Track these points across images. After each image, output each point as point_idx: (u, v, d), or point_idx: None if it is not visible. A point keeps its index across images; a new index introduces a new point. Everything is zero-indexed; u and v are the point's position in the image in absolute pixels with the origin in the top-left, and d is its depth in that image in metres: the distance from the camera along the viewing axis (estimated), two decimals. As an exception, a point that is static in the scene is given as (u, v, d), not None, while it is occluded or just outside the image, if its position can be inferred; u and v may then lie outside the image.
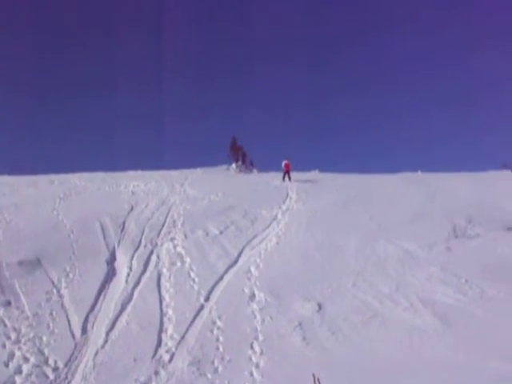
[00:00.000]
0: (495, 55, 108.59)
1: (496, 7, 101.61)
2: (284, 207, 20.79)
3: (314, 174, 30.63)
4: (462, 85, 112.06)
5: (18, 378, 9.65)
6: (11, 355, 10.33)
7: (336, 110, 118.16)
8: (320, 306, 12.28)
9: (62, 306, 12.38)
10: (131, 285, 13.46)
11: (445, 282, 13.10)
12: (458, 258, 14.68)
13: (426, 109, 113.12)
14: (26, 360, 10.21)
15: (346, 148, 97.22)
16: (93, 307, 12.37)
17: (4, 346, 10.63)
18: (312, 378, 6.57)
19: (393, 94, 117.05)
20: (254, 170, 33.27)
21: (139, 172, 29.76)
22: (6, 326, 11.36)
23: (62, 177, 27.19)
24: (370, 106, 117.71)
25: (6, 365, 10.03)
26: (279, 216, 19.54)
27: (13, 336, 10.99)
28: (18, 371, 9.86)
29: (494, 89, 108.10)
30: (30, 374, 9.77)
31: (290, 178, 26.81)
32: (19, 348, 10.59)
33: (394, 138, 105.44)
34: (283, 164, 27.42)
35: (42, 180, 26.05)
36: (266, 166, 35.89)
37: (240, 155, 34.02)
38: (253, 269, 14.48)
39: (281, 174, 27.42)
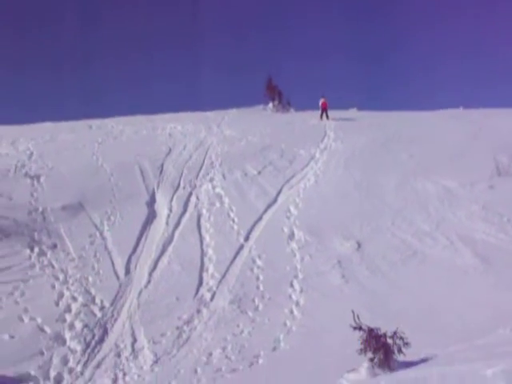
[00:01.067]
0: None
1: None
2: (322, 146, 20.58)
3: (352, 112, 30.04)
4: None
5: (67, 316, 10.11)
6: (60, 295, 10.77)
7: (372, 46, 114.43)
8: (359, 245, 12.31)
9: (106, 247, 12.73)
10: (171, 226, 13.70)
11: (486, 221, 12.90)
12: (501, 196, 14.38)
13: (469, 45, 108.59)
14: (75, 299, 10.64)
15: (384, 86, 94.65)
16: (135, 249, 12.68)
17: (53, 286, 11.07)
18: (351, 315, 6.64)
19: (432, 29, 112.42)
20: (291, 109, 32.75)
21: (175, 114, 29.70)
22: (53, 267, 11.79)
23: (99, 121, 27.37)
24: (408, 42, 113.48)
25: (57, 304, 10.49)
26: (317, 155, 19.37)
27: (61, 277, 11.42)
28: (68, 310, 10.32)
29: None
30: (78, 313, 10.21)
31: (327, 117, 26.37)
32: (67, 288, 11.02)
33: (436, 73, 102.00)
34: (320, 102, 26.92)
35: (79, 125, 26.28)
36: (304, 105, 35.31)
37: (276, 94, 33.45)
38: (292, 208, 14.53)
39: (318, 113, 27.01)
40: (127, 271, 11.75)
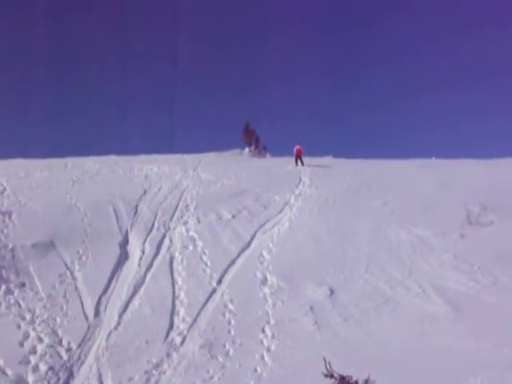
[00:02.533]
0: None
1: None
2: (297, 192, 20.75)
3: (328, 160, 30.49)
4: (479, 68, 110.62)
5: (32, 358, 9.79)
6: (26, 335, 10.47)
7: (350, 94, 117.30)
8: (332, 291, 12.29)
9: (76, 288, 12.50)
10: (144, 268, 13.55)
11: (457, 269, 13.04)
12: (472, 245, 14.60)
13: (442, 93, 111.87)
14: (41, 340, 10.36)
15: (359, 134, 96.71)
16: (106, 289, 12.48)
17: (19, 326, 10.77)
18: (323, 362, 6.59)
19: (406, 77, 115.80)
20: (267, 155, 33.16)
21: (152, 156, 29.78)
22: (20, 306, 11.51)
23: (76, 160, 27.29)
24: (384, 90, 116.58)
25: (21, 344, 10.18)
26: (292, 201, 19.52)
27: (27, 317, 11.14)
28: (33, 351, 10.01)
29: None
30: (44, 354, 9.92)
31: (302, 163, 26.72)
32: (34, 328, 10.74)
33: (409, 122, 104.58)
34: (295, 149, 27.31)
35: (55, 163, 26.14)
36: (280, 151, 35.85)
37: (253, 139, 33.89)
38: (265, 253, 14.51)
39: (294, 159, 27.34)
40: (97, 312, 11.52)
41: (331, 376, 6.51)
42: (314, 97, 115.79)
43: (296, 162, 26.91)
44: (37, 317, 11.18)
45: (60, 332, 10.69)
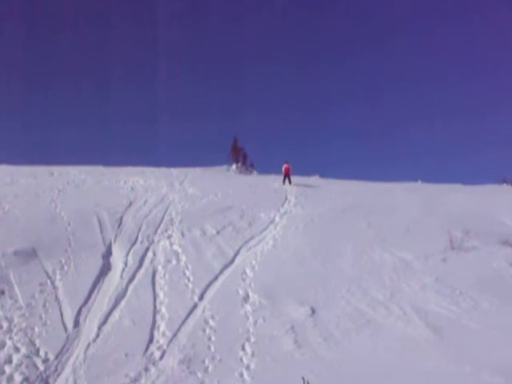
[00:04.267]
0: (499, 71, 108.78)
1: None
2: (282, 210, 20.80)
3: (315, 179, 30.64)
4: (467, 99, 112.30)
5: (7, 368, 9.64)
6: (2, 344, 10.32)
7: (340, 116, 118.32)
8: (313, 311, 12.27)
9: (56, 297, 12.38)
10: (126, 280, 13.46)
11: (439, 293, 13.10)
12: (454, 269, 14.69)
13: (431, 120, 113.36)
14: (17, 350, 10.20)
15: (348, 154, 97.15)
16: (86, 301, 12.37)
17: (-5, 334, 10.62)
18: (302, 382, 6.57)
19: (397, 102, 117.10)
20: (255, 172, 33.28)
21: (139, 168, 29.75)
22: (-2, 315, 11.36)
23: (62, 169, 27.19)
24: (374, 114, 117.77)
25: (-3, 354, 10.02)
26: (277, 219, 19.54)
27: (5, 325, 10.99)
28: (8, 361, 9.85)
29: (498, 105, 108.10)
30: (19, 364, 9.76)
31: (290, 182, 26.80)
32: (10, 338, 10.59)
33: (397, 146, 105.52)
34: (283, 167, 27.41)
35: (41, 171, 26.04)
36: (267, 169, 36.00)
37: (241, 156, 34.05)
38: (248, 270, 14.49)
39: (281, 177, 27.41)
40: (76, 323, 11.40)
41: (310, 395, 6.49)
42: (303, 118, 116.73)
43: (284, 180, 26.98)
44: (14, 326, 11.04)
45: (37, 342, 10.55)
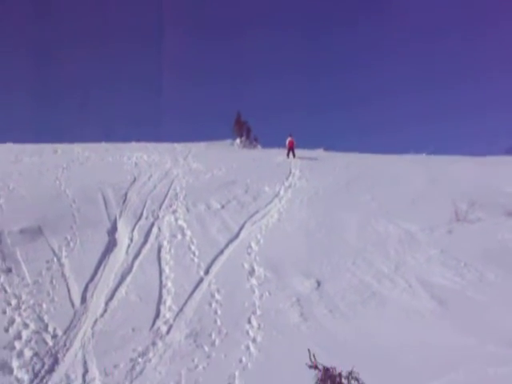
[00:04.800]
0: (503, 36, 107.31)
1: None
2: (286, 184, 20.77)
3: (319, 152, 30.50)
4: (469, 64, 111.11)
5: (17, 344, 9.74)
6: (11, 321, 10.42)
7: (343, 87, 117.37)
8: (319, 284, 12.33)
9: (62, 274, 12.45)
10: (131, 256, 13.52)
11: (444, 265, 13.12)
12: (459, 241, 14.69)
13: (435, 89, 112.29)
14: (26, 326, 10.31)
15: (352, 126, 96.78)
16: (93, 277, 12.44)
17: (4, 312, 10.72)
18: (308, 354, 6.61)
19: (399, 73, 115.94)
20: (258, 146, 33.12)
21: (142, 144, 29.67)
22: (6, 292, 11.45)
23: (66, 146, 27.15)
24: (378, 85, 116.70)
25: (6, 330, 10.12)
26: (281, 192, 19.53)
27: (13, 302, 11.08)
28: (18, 337, 9.95)
29: (503, 72, 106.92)
30: (29, 340, 9.87)
31: (294, 155, 26.72)
32: (19, 314, 10.68)
33: (402, 116, 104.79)
34: (287, 141, 27.30)
35: (45, 149, 26.01)
36: (271, 143, 35.80)
37: (244, 130, 33.81)
38: (253, 244, 14.52)
39: (285, 151, 27.32)
40: (83, 299, 11.48)
41: (315, 367, 6.52)
42: (307, 88, 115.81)
43: (288, 153, 26.90)
44: (23, 302, 11.13)
45: (46, 318, 10.65)
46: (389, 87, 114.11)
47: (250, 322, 10.82)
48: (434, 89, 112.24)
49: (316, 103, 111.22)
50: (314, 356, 6.58)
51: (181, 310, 11.21)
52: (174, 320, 10.83)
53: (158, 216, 16.34)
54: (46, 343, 9.86)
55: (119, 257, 13.52)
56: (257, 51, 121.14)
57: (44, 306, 11.10)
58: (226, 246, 14.45)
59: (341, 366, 6.46)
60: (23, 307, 10.96)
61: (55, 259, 13.08)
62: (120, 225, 15.49)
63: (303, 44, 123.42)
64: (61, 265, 12.87)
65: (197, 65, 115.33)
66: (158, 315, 11.03)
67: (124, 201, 17.36)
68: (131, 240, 14.46)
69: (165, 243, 14.38)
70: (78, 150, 25.97)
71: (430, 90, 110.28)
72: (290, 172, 22.82)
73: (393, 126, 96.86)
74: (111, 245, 14.21)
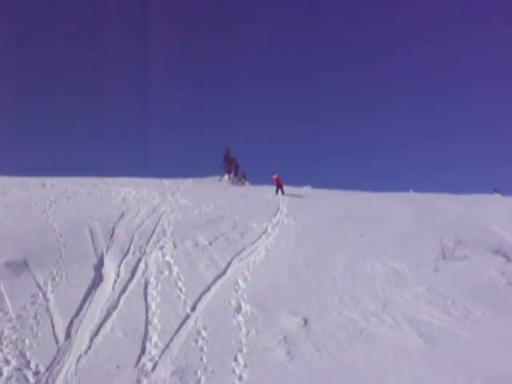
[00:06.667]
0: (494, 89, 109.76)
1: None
2: (274, 221, 20.81)
3: (307, 190, 30.70)
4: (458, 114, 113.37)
5: (-3, 381, 9.56)
6: (-7, 357, 10.23)
7: (333, 128, 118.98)
8: (306, 322, 12.26)
9: (47, 309, 12.29)
10: (118, 291, 13.40)
11: (431, 303, 13.13)
12: (446, 279, 14.73)
13: (423, 135, 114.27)
14: (7, 362, 10.11)
15: (340, 165, 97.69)
16: (78, 312, 12.29)
17: (-14, 347, 10.53)
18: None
19: (388, 115, 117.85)
20: (247, 183, 33.30)
21: (131, 179, 29.71)
22: (-12, 327, 11.27)
23: (54, 180, 27.11)
24: (367, 127, 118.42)
25: (-13, 366, 9.93)
26: (269, 229, 19.55)
27: (-5, 338, 10.90)
28: (-1, 373, 9.76)
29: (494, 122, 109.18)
30: (10, 377, 9.67)
31: (282, 192, 26.84)
32: (1, 350, 10.49)
33: (390, 159, 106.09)
34: (273, 178, 27.40)
35: (33, 182, 25.96)
36: (259, 179, 36.00)
37: (233, 167, 34.06)
38: (240, 281, 14.46)
39: (273, 188, 27.44)
40: (67, 335, 11.31)
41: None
42: (297, 130, 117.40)
43: (276, 190, 27.01)
44: (5, 338, 10.95)
45: (28, 354, 10.46)
46: (380, 133, 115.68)
47: (236, 359, 10.70)
48: (426, 140, 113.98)
49: (303, 143, 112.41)
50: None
51: (167, 346, 11.07)
52: (160, 357, 10.69)
53: (145, 251, 16.27)
54: (28, 381, 9.66)
55: (105, 292, 13.39)
56: (245, 94, 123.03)
57: (27, 341, 10.91)
58: (213, 282, 14.38)
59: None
60: (5, 342, 10.78)
61: (40, 294, 12.93)
62: (107, 260, 15.39)
63: (287, 89, 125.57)
64: (46, 299, 12.71)
65: (186, 106, 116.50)
66: (143, 352, 10.88)
67: (111, 236, 17.28)
68: (118, 275, 14.35)
69: (152, 279, 14.28)
70: (67, 183, 25.94)
71: (419, 139, 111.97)
72: (278, 209, 22.88)
73: (378, 167, 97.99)
74: (97, 280, 14.08)
